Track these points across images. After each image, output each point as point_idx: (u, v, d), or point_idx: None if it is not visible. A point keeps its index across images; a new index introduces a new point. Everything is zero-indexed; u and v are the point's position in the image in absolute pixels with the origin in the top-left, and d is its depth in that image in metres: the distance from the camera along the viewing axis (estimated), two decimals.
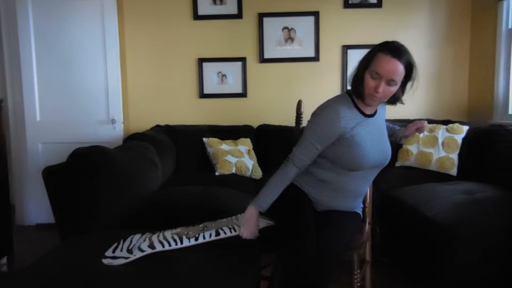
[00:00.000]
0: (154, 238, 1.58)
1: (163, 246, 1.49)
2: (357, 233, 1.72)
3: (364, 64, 1.53)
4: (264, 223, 1.68)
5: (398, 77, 1.47)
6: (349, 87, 1.66)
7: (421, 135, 2.85)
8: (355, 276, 1.70)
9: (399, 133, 1.89)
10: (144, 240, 1.56)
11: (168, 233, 1.63)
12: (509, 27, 3.00)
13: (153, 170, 2.52)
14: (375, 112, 1.66)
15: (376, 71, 1.47)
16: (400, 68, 1.46)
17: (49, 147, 3.33)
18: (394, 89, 1.50)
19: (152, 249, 1.48)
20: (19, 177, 3.38)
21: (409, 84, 1.54)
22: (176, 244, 1.51)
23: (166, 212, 2.08)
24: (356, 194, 1.70)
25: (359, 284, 1.71)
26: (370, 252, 1.96)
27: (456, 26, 3.41)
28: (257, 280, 1.81)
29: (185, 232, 1.61)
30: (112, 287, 1.32)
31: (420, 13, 3.40)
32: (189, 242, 1.53)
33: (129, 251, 1.48)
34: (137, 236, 1.63)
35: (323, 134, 1.55)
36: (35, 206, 3.37)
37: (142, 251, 1.47)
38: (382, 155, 1.65)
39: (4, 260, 2.55)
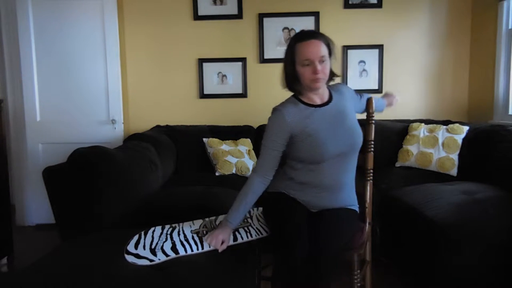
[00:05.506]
0: (175, 236, 1.61)
1: (186, 251, 1.53)
2: (357, 233, 1.72)
3: (290, 61, 1.61)
4: (238, 239, 1.65)
5: (325, 52, 1.57)
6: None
7: (421, 135, 2.85)
8: (355, 276, 1.70)
9: (383, 102, 2.05)
10: (166, 239, 1.59)
11: (187, 230, 1.66)
12: (509, 27, 2.99)
13: (153, 170, 2.53)
14: (330, 101, 1.68)
15: (305, 59, 1.55)
16: (322, 44, 1.57)
17: (49, 147, 3.33)
18: (328, 64, 1.59)
19: (176, 254, 1.52)
20: (19, 177, 3.39)
21: (332, 57, 1.63)
22: (198, 249, 1.55)
23: (166, 212, 2.08)
24: (338, 187, 1.68)
25: (359, 284, 1.71)
26: (370, 252, 1.95)
27: (456, 26, 3.41)
28: (257, 280, 1.81)
29: (204, 232, 1.65)
30: (111, 286, 1.32)
31: (420, 13, 3.40)
32: (209, 247, 1.57)
33: (153, 251, 1.51)
34: (158, 230, 1.65)
35: (274, 136, 1.62)
36: (35, 206, 3.38)
37: (167, 255, 1.50)
38: (344, 142, 1.63)
39: (4, 260, 2.55)
